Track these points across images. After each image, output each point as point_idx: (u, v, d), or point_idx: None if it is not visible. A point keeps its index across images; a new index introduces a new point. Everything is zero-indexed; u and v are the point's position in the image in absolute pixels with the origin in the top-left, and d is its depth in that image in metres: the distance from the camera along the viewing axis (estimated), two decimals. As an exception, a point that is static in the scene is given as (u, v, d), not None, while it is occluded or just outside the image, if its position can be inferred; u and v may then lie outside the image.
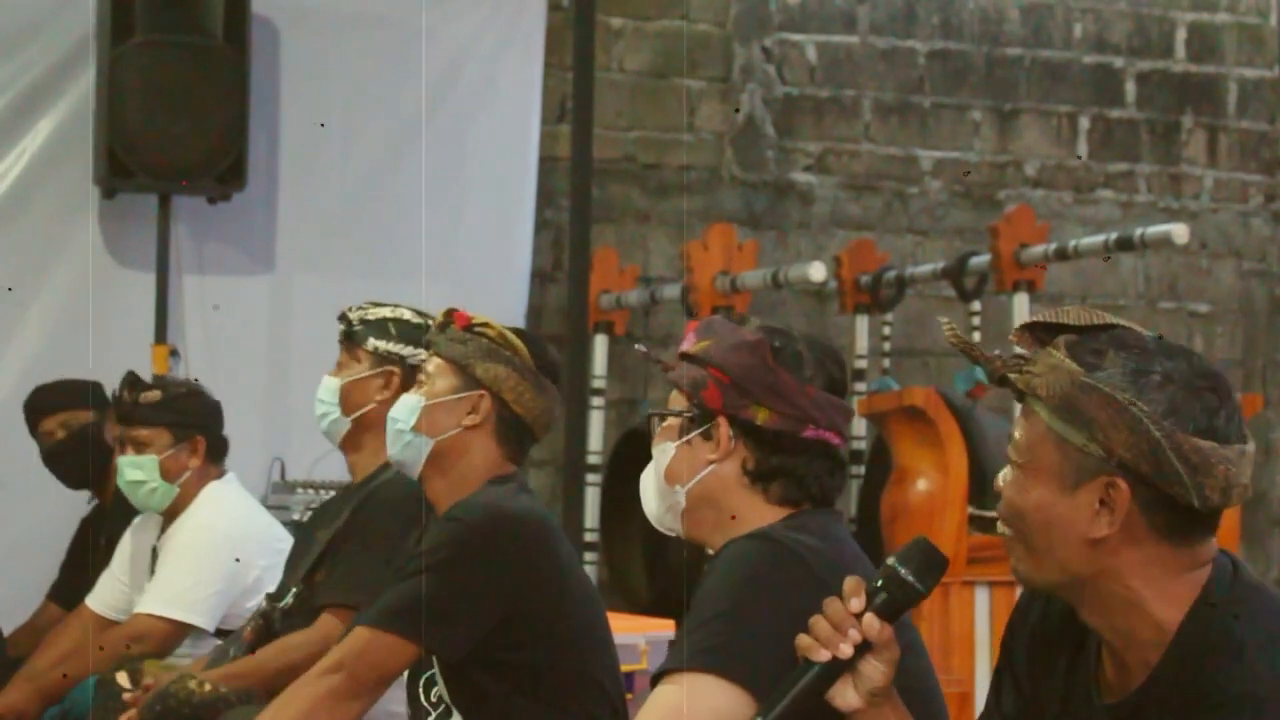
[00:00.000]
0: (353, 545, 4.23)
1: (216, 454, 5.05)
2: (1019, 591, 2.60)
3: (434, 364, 3.79)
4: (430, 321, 4.32)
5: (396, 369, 4.33)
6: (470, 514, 3.61)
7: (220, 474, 5.06)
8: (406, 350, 4.33)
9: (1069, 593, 2.36)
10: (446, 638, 3.56)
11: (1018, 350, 2.40)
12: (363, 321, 4.39)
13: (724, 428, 2.86)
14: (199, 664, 4.44)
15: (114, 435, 5.13)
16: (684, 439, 2.89)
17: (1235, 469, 2.28)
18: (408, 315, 4.39)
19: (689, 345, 2.92)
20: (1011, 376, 2.36)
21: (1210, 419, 2.28)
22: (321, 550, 4.30)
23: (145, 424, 4.99)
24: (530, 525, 3.66)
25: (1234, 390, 2.35)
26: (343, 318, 4.44)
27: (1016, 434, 2.37)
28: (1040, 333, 2.37)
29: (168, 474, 4.98)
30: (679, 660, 2.69)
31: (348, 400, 4.36)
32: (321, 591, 4.28)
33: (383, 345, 4.34)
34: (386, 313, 4.39)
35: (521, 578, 3.58)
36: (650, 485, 2.95)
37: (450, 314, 3.81)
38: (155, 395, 5.01)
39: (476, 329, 3.77)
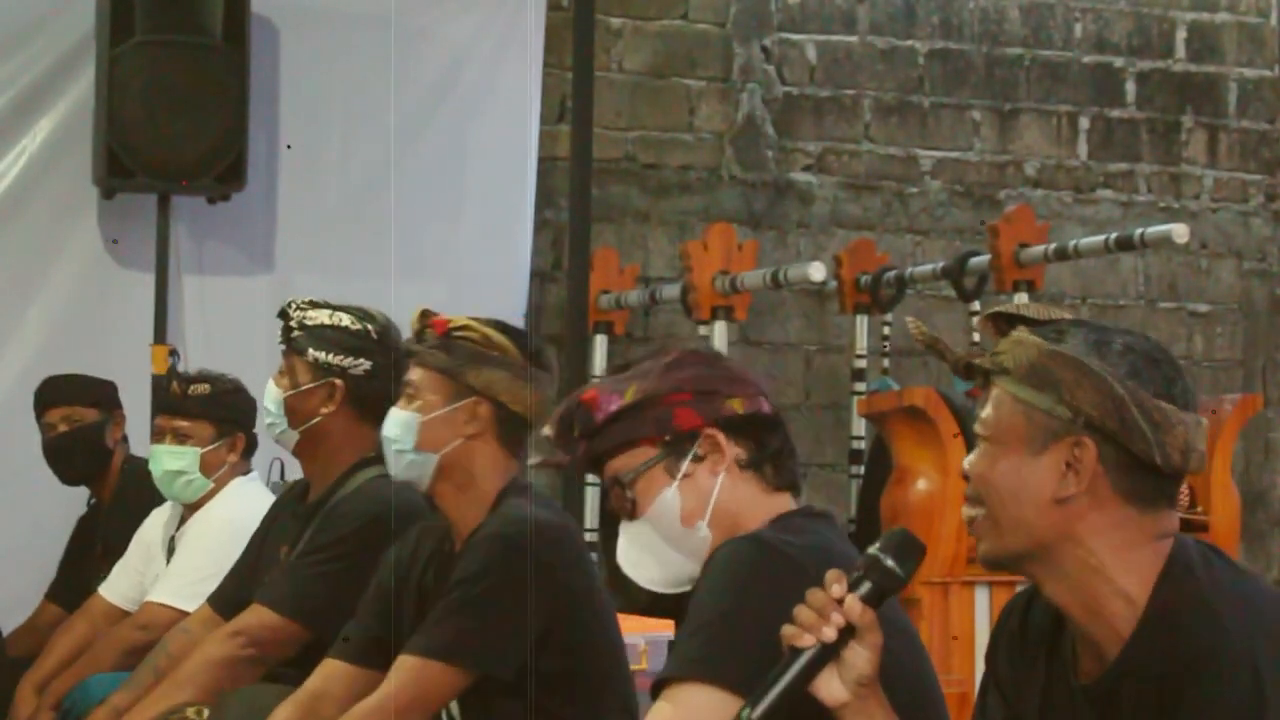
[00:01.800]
0: (304, 558, 4.21)
1: (249, 452, 5.07)
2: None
3: (419, 375, 3.72)
4: (368, 327, 4.30)
5: (339, 380, 4.28)
6: (509, 529, 3.59)
7: (245, 470, 5.08)
8: (347, 361, 4.26)
9: (1035, 565, 2.39)
10: (500, 658, 3.55)
11: (982, 344, 2.46)
12: (302, 327, 4.32)
13: (718, 436, 2.84)
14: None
15: (155, 424, 5.11)
16: (680, 475, 2.85)
17: (1194, 434, 2.36)
18: (347, 321, 4.31)
19: (616, 404, 2.86)
20: (977, 361, 2.43)
21: (1169, 386, 2.37)
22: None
23: (190, 416, 4.99)
24: (566, 536, 3.67)
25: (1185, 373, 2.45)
26: (282, 314, 4.38)
27: (983, 413, 2.43)
28: (1003, 324, 2.46)
29: (207, 468, 4.99)
30: (675, 669, 2.69)
31: (294, 413, 4.31)
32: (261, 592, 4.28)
33: (322, 356, 4.28)
34: (325, 318, 4.32)
35: (561, 588, 3.59)
36: (656, 549, 2.89)
37: (426, 319, 3.73)
38: (205, 388, 5.01)
39: (457, 334, 3.70)
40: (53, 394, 5.76)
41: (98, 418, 5.66)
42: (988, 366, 2.42)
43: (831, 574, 2.46)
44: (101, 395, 5.71)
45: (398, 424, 3.72)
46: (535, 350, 3.77)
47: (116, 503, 5.53)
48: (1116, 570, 2.35)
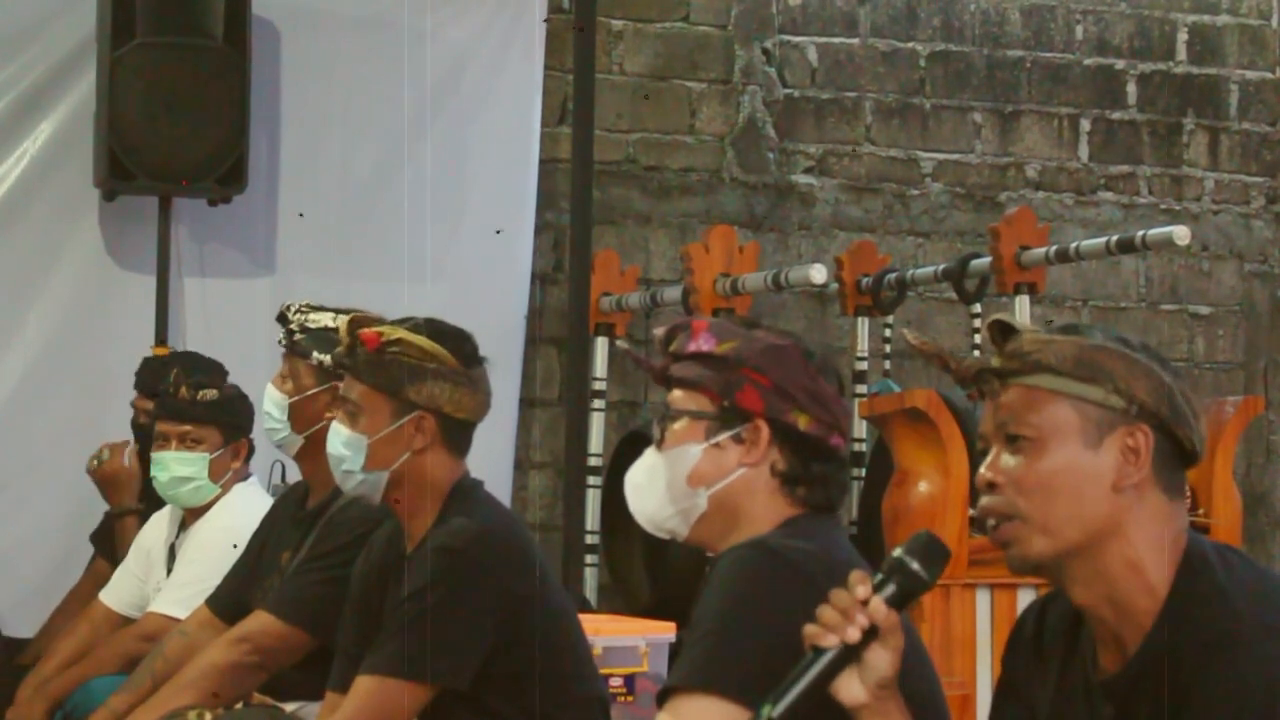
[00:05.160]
0: (307, 565, 4.20)
1: (249, 457, 5.08)
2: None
3: (359, 392, 3.69)
4: None
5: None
6: (458, 541, 3.57)
7: (245, 475, 5.07)
8: None
9: (1075, 563, 2.39)
10: (455, 669, 3.54)
11: (977, 352, 2.46)
12: (304, 330, 4.31)
13: (764, 432, 2.83)
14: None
15: (159, 430, 5.09)
16: (712, 440, 2.84)
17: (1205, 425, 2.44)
18: None
19: (709, 346, 2.87)
20: (997, 363, 2.42)
21: (1178, 379, 2.42)
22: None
23: (199, 421, 4.99)
24: (515, 539, 3.66)
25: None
26: (281, 318, 4.36)
27: (1007, 419, 2.40)
28: (997, 334, 2.46)
29: (214, 474, 4.99)
30: (679, 679, 2.68)
31: (298, 417, 4.30)
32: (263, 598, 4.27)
33: (327, 360, 4.24)
34: (329, 321, 4.30)
35: (512, 592, 3.58)
36: (656, 487, 2.88)
37: (356, 334, 3.69)
38: (213, 394, 5.01)
39: (392, 350, 3.67)
40: (141, 378, 5.74)
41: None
42: (1016, 366, 2.40)
43: (856, 575, 2.46)
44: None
45: (346, 444, 3.70)
46: (471, 352, 3.73)
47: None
48: (1148, 563, 2.36)
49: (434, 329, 3.73)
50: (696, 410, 2.86)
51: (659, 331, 2.98)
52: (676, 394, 2.90)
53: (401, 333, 3.68)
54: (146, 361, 5.79)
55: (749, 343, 2.86)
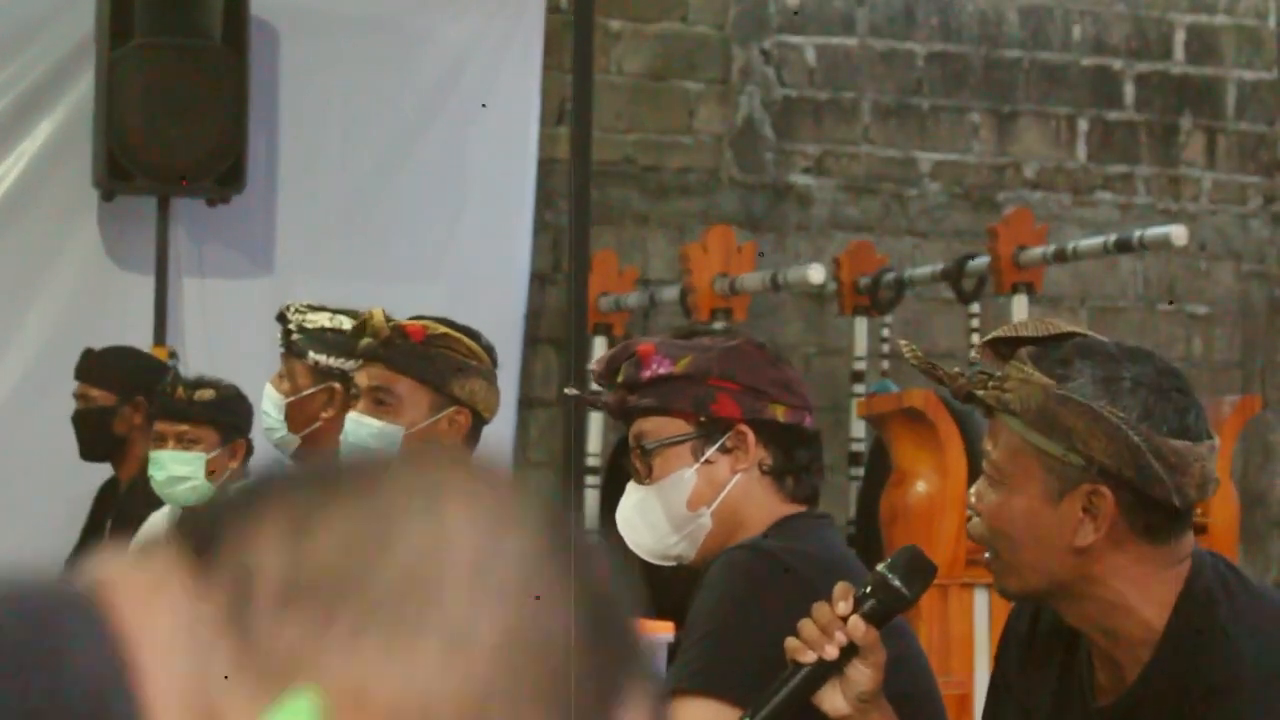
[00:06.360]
0: None
1: (248, 458, 5.09)
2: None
3: (397, 382, 3.66)
4: None
5: (339, 384, 4.25)
6: None
7: (243, 476, 5.09)
8: (348, 365, 4.23)
9: (1056, 600, 2.39)
10: None
11: (981, 367, 2.42)
12: (301, 329, 4.31)
13: (749, 435, 2.82)
14: None
15: (156, 430, 5.10)
16: (702, 459, 2.83)
17: (1208, 464, 2.33)
18: (347, 324, 4.25)
19: (665, 368, 2.84)
20: (979, 393, 2.38)
21: (1181, 419, 2.32)
22: None
23: (196, 421, 5.00)
24: None
25: (1193, 387, 2.39)
26: (281, 317, 4.36)
27: (990, 450, 2.39)
28: (1001, 347, 2.40)
29: (211, 474, 5.00)
30: (676, 682, 2.69)
31: (294, 417, 4.30)
32: None
33: (323, 359, 4.26)
34: (325, 321, 4.30)
35: None
36: (653, 519, 2.87)
37: (398, 326, 3.66)
38: (210, 394, 5.02)
39: (438, 343, 3.67)
40: (78, 368, 5.76)
41: (110, 403, 5.64)
42: (991, 403, 2.36)
43: (839, 590, 2.45)
44: (120, 379, 5.68)
45: (376, 435, 3.67)
46: (492, 350, 3.76)
47: (133, 487, 5.52)
48: (1137, 602, 2.33)
49: (462, 326, 3.75)
50: (675, 435, 2.84)
51: (595, 367, 2.95)
52: (645, 425, 2.87)
53: (445, 328, 3.68)
54: (86, 353, 5.79)
55: (703, 353, 2.85)
